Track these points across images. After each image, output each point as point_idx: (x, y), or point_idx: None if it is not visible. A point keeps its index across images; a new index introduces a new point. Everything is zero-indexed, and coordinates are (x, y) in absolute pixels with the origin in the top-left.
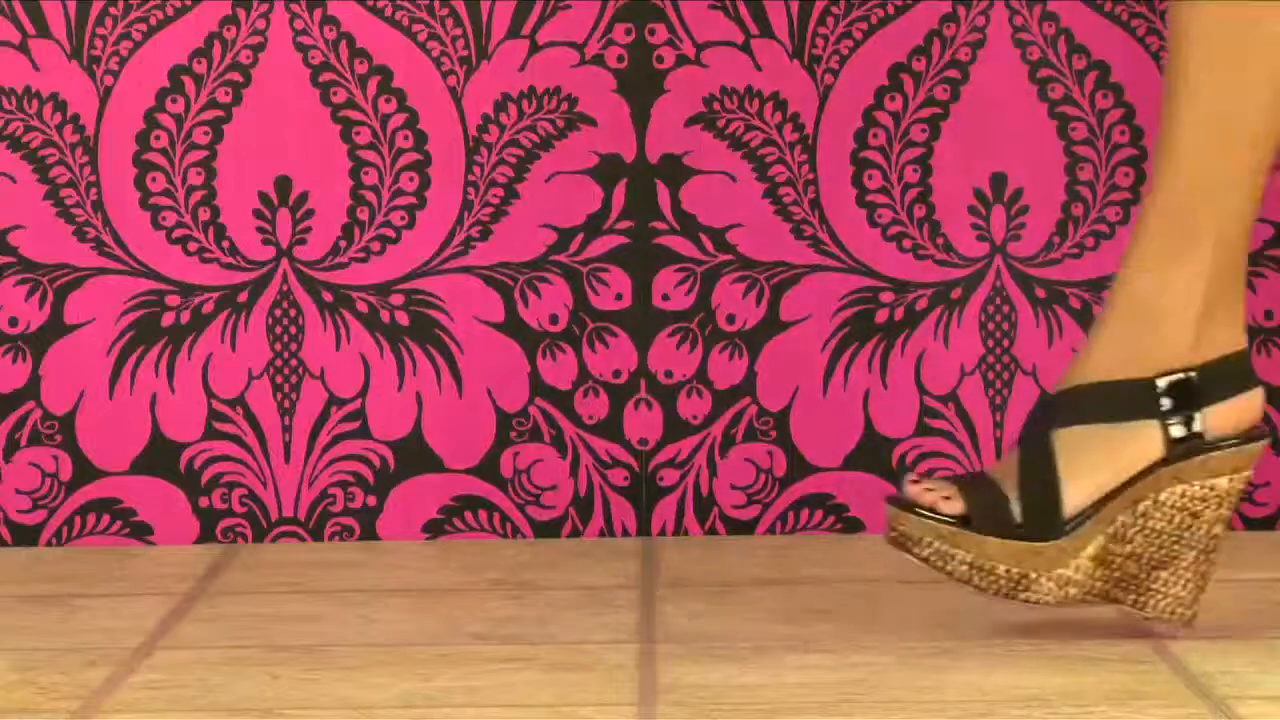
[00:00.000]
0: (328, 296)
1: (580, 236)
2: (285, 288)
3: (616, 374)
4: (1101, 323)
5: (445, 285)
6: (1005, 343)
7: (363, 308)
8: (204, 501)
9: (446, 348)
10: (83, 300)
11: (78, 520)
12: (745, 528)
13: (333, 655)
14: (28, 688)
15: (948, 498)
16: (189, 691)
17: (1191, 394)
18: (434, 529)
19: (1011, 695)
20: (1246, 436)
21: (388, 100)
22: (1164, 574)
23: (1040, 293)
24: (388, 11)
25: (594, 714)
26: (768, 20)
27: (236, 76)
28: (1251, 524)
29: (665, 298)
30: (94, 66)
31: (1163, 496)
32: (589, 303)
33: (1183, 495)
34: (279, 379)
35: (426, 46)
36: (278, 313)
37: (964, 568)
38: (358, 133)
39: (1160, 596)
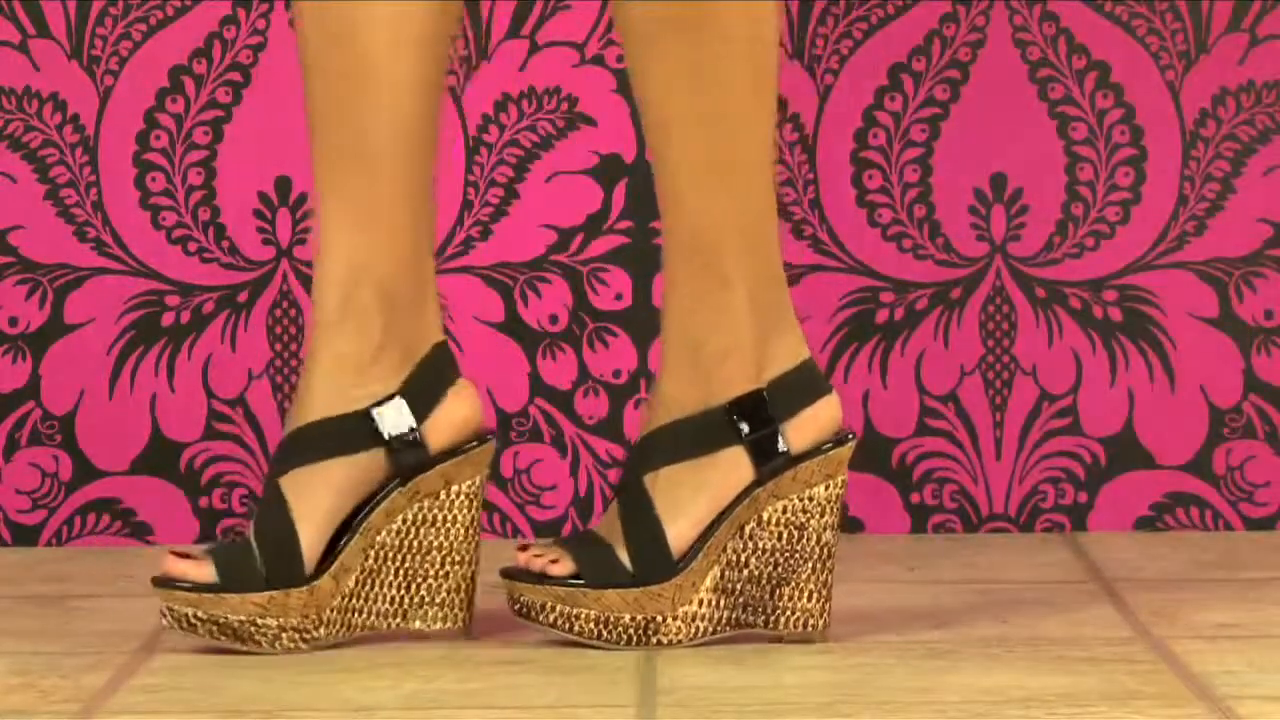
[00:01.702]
0: None
1: (580, 236)
2: (285, 287)
3: (616, 374)
4: (664, 367)
5: (445, 285)
6: (1005, 343)
7: None
8: (204, 501)
9: None
10: (83, 300)
11: (78, 520)
12: None
13: (332, 657)
14: (28, 690)
15: (555, 560)
16: (188, 694)
17: (764, 413)
18: None
19: (1011, 695)
20: (835, 442)
21: None
22: (786, 590)
23: (1040, 293)
24: None
25: (594, 715)
26: None
27: (236, 76)
28: (1251, 524)
29: None
30: (94, 66)
31: (765, 515)
32: (589, 303)
33: (784, 511)
34: (279, 379)
35: None
36: (278, 313)
37: (590, 625)
38: None
39: (789, 613)
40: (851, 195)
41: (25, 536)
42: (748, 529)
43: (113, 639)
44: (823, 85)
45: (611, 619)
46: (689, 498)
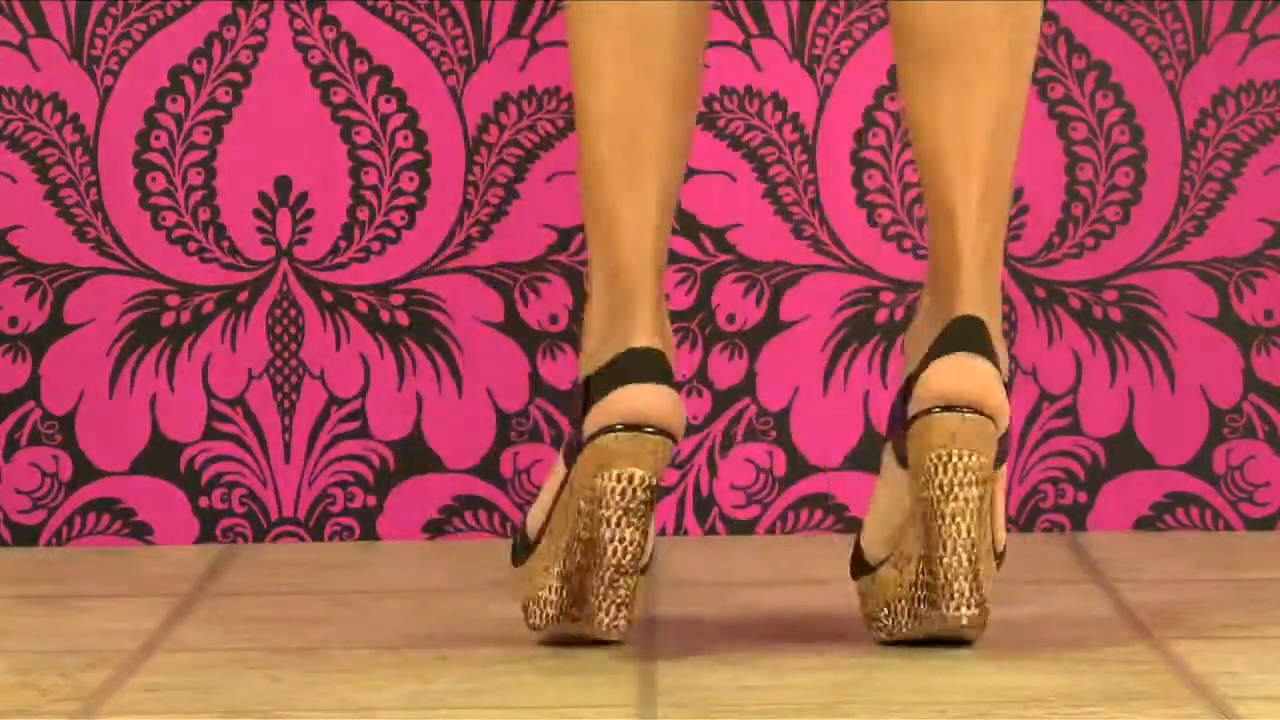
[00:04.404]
0: (328, 296)
1: (580, 236)
2: (285, 288)
3: None
4: None
5: (445, 285)
6: (1005, 342)
7: (363, 308)
8: (204, 501)
9: (446, 348)
10: (83, 300)
11: (78, 520)
12: (745, 528)
13: (333, 657)
14: (28, 690)
15: None
16: (189, 694)
17: (580, 401)
18: (434, 529)
19: (1011, 695)
20: (602, 430)
21: (388, 100)
22: (591, 583)
23: (1040, 293)
24: (388, 11)
25: (594, 716)
26: (768, 20)
27: (236, 76)
28: (1251, 524)
29: (665, 298)
30: (94, 66)
31: (580, 504)
32: None
33: (584, 500)
34: (279, 379)
35: (426, 46)
36: (278, 313)
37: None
38: (358, 133)
39: (589, 610)
40: (851, 195)
41: (25, 536)
42: (574, 516)
43: (113, 639)
44: (823, 85)
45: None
46: (547, 482)
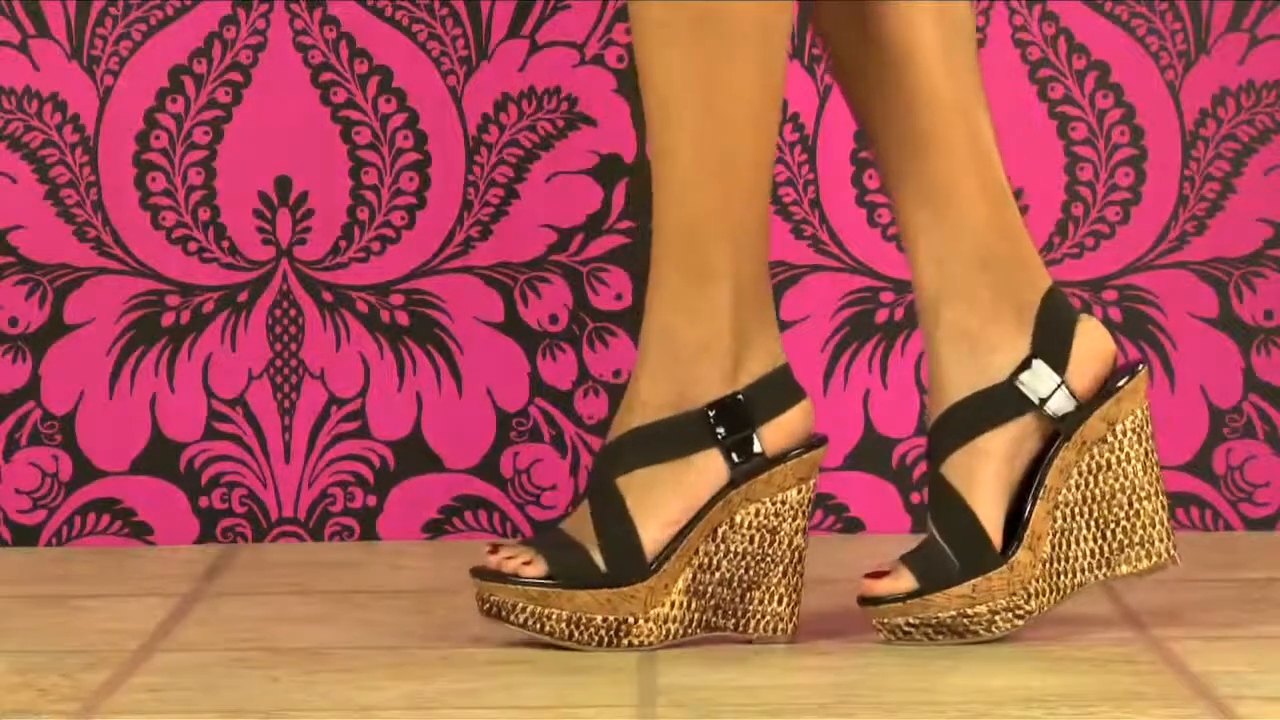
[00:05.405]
0: (328, 296)
1: (580, 236)
2: (285, 288)
3: (616, 374)
4: (640, 366)
5: (445, 285)
6: None
7: (363, 308)
8: (204, 501)
9: (446, 348)
10: (83, 300)
11: (78, 520)
12: None
13: (333, 656)
14: (28, 690)
15: (528, 562)
16: (189, 693)
17: (741, 416)
18: (434, 529)
19: (1011, 695)
20: (806, 446)
21: (388, 100)
22: (757, 594)
23: None
24: (388, 11)
25: (594, 715)
26: None
27: (236, 76)
28: (1251, 524)
29: None
30: (94, 66)
31: (738, 518)
32: (589, 303)
33: (757, 514)
34: (279, 379)
35: (426, 46)
36: (278, 313)
37: (561, 625)
38: (358, 133)
39: (758, 616)
40: (851, 195)
41: (25, 536)
42: (720, 531)
43: (113, 639)
44: (823, 85)
45: (583, 619)
46: (663, 500)
